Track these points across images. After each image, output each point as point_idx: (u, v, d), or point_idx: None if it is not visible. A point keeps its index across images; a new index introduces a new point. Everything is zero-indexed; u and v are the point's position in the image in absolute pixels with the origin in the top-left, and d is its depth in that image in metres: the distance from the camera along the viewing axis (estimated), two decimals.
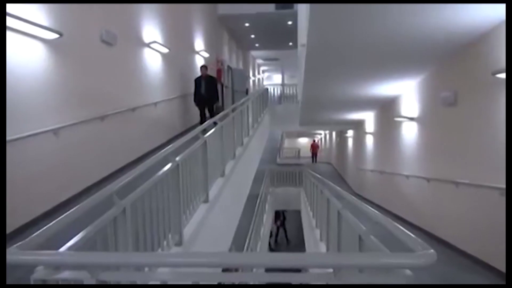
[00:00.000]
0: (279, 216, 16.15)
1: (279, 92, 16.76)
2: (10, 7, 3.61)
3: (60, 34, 4.35)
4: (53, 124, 4.36)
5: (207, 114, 8.64)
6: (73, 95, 4.86)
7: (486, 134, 5.29)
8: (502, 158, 4.80)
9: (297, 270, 1.40)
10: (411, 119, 8.31)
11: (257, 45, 19.34)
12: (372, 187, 12.45)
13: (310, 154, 28.06)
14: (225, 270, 3.13)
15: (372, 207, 2.31)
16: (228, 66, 14.62)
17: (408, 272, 1.35)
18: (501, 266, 4.81)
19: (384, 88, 8.60)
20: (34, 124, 4.05)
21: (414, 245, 1.37)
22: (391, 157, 10.08)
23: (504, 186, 4.70)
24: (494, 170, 5.04)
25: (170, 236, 2.80)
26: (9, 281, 1.63)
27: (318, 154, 28.48)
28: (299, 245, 13.57)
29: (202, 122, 8.01)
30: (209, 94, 8.53)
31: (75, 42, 4.89)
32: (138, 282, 1.98)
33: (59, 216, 1.63)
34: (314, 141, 29.02)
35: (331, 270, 1.37)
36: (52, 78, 4.44)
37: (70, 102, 4.78)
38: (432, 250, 1.28)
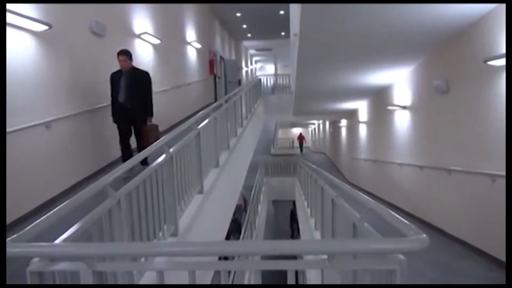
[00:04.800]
0: (294, 217, 14.02)
1: (272, 82, 16.74)
2: None
3: (49, 26, 4.28)
4: (45, 117, 4.31)
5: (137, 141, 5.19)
6: (64, 88, 4.80)
7: (478, 121, 5.34)
8: (493, 144, 4.87)
9: (293, 258, 1.42)
10: (404, 107, 8.36)
11: (249, 35, 19.21)
12: (366, 176, 12.54)
13: (304, 145, 29.04)
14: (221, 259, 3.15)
15: (366, 196, 2.34)
16: (221, 57, 14.55)
17: (401, 257, 1.38)
18: (493, 251, 4.90)
19: (377, 77, 8.62)
20: (26, 117, 4.00)
21: (406, 230, 1.39)
22: (384, 146, 10.15)
23: (496, 172, 4.77)
24: (486, 156, 5.10)
25: (165, 227, 2.81)
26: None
27: (307, 144, 31.50)
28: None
29: (124, 157, 4.94)
30: (133, 101, 4.92)
31: (65, 34, 4.82)
32: (135, 272, 2.00)
33: (53, 210, 1.63)
34: (300, 133, 30.23)
35: (325, 256, 1.39)
36: (43, 70, 4.38)
37: (61, 95, 4.73)
38: (424, 235, 1.30)
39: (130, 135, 5.11)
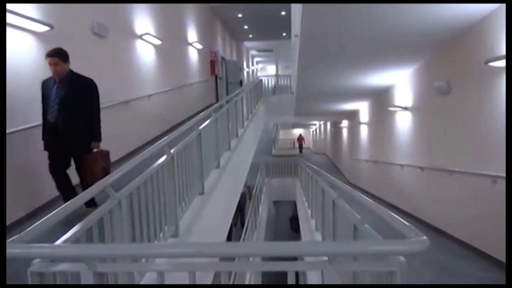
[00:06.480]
0: (294, 221, 15.63)
1: (273, 83, 16.74)
2: None
3: (51, 27, 4.29)
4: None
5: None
6: None
7: (479, 123, 5.33)
8: (495, 146, 4.86)
9: (293, 259, 1.42)
10: (405, 108, 8.35)
11: (250, 36, 19.22)
12: (366, 177, 12.53)
13: (303, 146, 29.66)
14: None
15: (367, 197, 2.34)
16: (222, 58, 14.56)
17: (401, 258, 1.38)
18: (493, 252, 4.90)
19: (378, 78, 8.62)
20: (28, 117, 4.01)
21: (407, 232, 1.39)
22: (386, 147, 10.14)
23: (496, 173, 4.77)
24: (487, 158, 5.10)
25: (166, 228, 2.81)
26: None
27: (308, 145, 33.24)
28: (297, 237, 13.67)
29: (65, 198, 3.53)
30: (70, 121, 3.62)
31: (66, 35, 4.82)
32: (136, 273, 2.00)
33: (56, 209, 1.63)
34: (300, 134, 30.90)
35: (326, 258, 1.39)
36: (44, 71, 4.38)
37: None
38: (424, 237, 1.30)
39: (66, 166, 3.75)
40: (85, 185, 3.57)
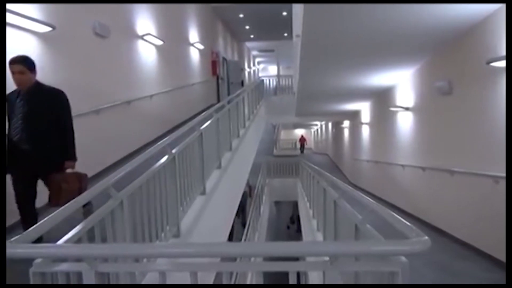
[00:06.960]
0: (294, 221, 15.47)
1: (274, 83, 16.74)
2: None
3: (53, 27, 4.30)
4: None
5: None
6: (68, 89, 4.80)
7: (480, 123, 5.32)
8: (496, 146, 4.85)
9: (295, 259, 1.42)
10: (407, 109, 8.34)
11: (252, 36, 19.22)
12: (368, 177, 12.52)
13: (305, 146, 30.21)
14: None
15: (368, 197, 2.34)
16: (223, 58, 14.56)
17: (403, 259, 1.38)
18: (494, 252, 4.89)
19: (380, 78, 8.61)
20: None
21: (408, 232, 1.39)
22: (387, 147, 10.13)
23: (498, 173, 4.76)
24: (488, 158, 5.09)
25: (167, 228, 2.82)
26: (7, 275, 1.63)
27: (309, 146, 33.77)
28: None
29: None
30: (36, 140, 3.12)
31: (68, 35, 4.84)
32: (137, 273, 2.00)
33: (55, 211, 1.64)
34: (301, 135, 31.32)
35: (327, 258, 1.39)
36: (46, 71, 4.40)
37: None
38: (426, 237, 1.30)
39: (35, 193, 3.18)
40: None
